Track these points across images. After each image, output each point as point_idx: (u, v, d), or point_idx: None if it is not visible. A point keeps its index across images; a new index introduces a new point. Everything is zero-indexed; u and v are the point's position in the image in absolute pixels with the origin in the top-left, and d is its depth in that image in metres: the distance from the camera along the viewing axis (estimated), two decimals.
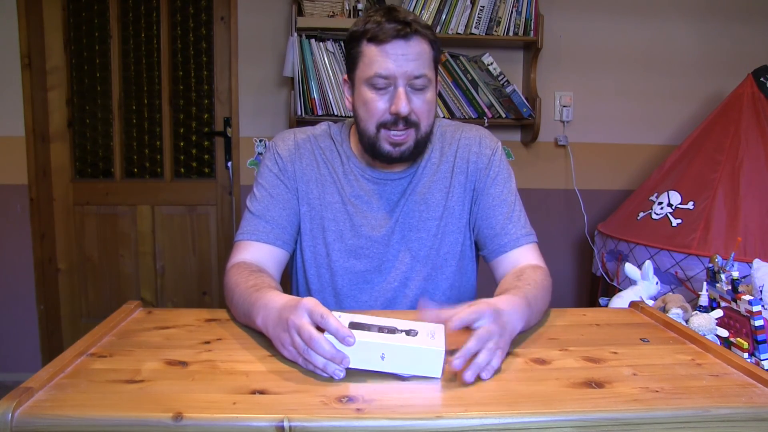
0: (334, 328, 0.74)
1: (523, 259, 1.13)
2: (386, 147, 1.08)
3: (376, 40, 1.03)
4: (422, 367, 0.74)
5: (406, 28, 1.02)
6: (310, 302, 0.78)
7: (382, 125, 1.07)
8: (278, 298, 0.87)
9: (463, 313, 0.79)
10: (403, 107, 1.03)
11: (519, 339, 0.91)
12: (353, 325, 0.77)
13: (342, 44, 2.34)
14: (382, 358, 0.74)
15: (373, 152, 1.11)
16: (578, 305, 2.84)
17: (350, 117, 1.18)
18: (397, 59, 1.02)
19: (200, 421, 0.63)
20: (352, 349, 0.74)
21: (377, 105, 1.06)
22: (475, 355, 0.76)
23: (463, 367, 0.75)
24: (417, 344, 0.75)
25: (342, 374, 0.74)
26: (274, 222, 1.14)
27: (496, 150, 1.21)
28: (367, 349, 0.74)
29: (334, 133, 1.21)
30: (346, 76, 1.13)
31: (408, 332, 0.78)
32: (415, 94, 1.06)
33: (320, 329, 0.76)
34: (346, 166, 1.18)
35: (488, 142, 1.21)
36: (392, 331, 0.78)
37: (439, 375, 0.75)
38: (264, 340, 0.88)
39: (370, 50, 1.04)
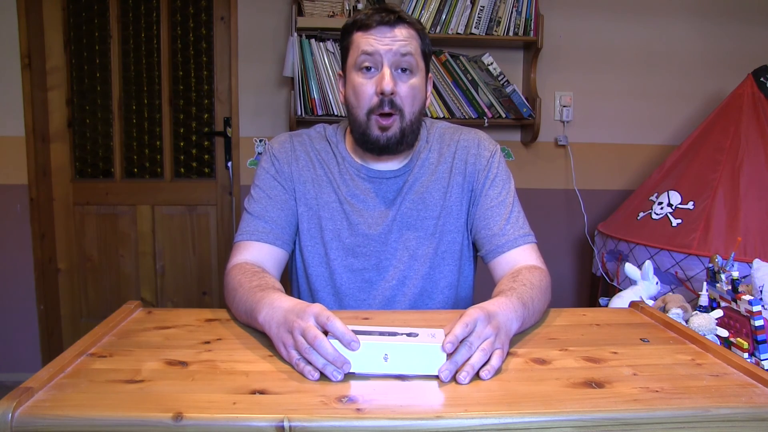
0: (341, 332, 0.75)
1: (521, 259, 1.13)
2: (375, 132, 1.11)
3: (364, 27, 1.09)
4: (425, 365, 0.75)
5: (390, 15, 1.09)
6: (317, 307, 0.79)
7: (371, 111, 1.10)
8: (286, 300, 0.87)
9: (456, 330, 0.77)
10: (386, 85, 1.07)
11: (519, 339, 0.91)
12: (354, 332, 0.78)
13: None
14: (385, 359, 0.75)
15: (363, 141, 1.13)
16: (578, 305, 2.84)
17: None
18: (383, 39, 1.08)
19: (200, 421, 0.63)
20: (355, 352, 0.74)
21: (365, 89, 1.09)
22: (468, 359, 0.76)
23: (459, 368, 0.75)
24: (419, 342, 0.76)
25: (340, 377, 0.74)
26: (273, 222, 1.15)
27: (495, 152, 1.21)
28: (370, 351, 0.75)
29: (329, 134, 1.23)
30: (340, 71, 1.18)
31: (409, 334, 0.79)
32: (401, 77, 1.09)
33: (326, 333, 0.77)
34: (342, 166, 1.19)
35: (486, 144, 1.22)
36: (393, 334, 0.79)
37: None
38: (264, 339, 0.88)
39: (357, 37, 1.11)
